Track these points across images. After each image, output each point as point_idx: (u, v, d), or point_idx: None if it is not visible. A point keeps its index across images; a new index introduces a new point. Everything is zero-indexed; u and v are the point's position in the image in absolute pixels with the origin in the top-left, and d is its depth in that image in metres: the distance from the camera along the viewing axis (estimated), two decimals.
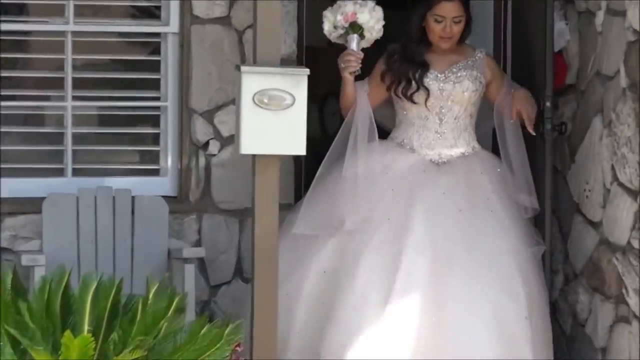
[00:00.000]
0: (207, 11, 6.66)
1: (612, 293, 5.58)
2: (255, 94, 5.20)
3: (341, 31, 5.71)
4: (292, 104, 5.21)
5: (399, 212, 5.68)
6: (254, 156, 5.28)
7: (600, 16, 6.00)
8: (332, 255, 5.61)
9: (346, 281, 5.48)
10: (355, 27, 5.72)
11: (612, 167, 5.86)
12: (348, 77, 5.69)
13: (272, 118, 5.23)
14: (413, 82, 5.72)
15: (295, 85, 5.23)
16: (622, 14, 5.72)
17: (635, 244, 5.65)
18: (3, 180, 6.53)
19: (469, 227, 5.75)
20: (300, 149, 5.36)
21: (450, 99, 5.78)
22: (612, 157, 5.91)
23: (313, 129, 6.47)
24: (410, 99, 5.71)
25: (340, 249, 5.63)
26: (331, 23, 5.76)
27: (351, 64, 5.69)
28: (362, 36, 5.74)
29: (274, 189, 5.48)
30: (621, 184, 5.74)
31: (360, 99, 5.80)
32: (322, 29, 6.25)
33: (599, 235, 5.81)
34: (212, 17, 6.68)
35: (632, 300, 5.48)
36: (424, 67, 5.81)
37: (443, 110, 5.77)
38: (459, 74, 5.85)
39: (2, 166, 6.65)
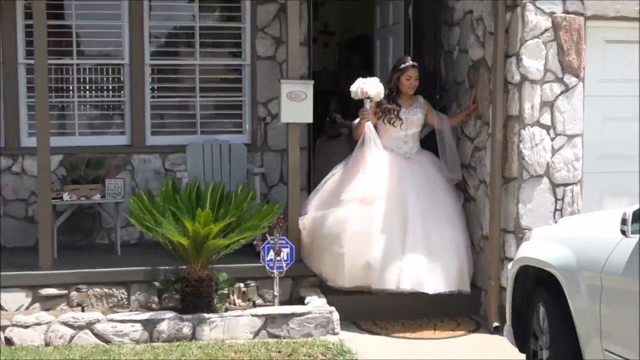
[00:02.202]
0: (264, 53, 9.27)
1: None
2: (288, 93, 7.84)
3: (360, 96, 7.89)
4: (305, 98, 7.91)
5: (398, 182, 7.87)
6: (287, 123, 8.03)
7: (455, 53, 8.69)
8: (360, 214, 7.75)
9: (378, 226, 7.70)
10: (367, 97, 7.87)
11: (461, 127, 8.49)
12: (363, 122, 7.90)
13: (296, 105, 7.85)
14: (394, 115, 7.99)
15: (307, 89, 7.93)
16: (466, 52, 8.42)
17: (473, 163, 8.26)
18: (177, 136, 9.26)
19: (432, 190, 8.01)
20: (309, 120, 8.19)
21: (409, 123, 8.05)
22: (462, 123, 8.44)
23: (315, 113, 8.21)
24: (392, 123, 8.00)
25: (367, 211, 7.73)
26: (354, 93, 7.93)
27: (365, 116, 7.90)
28: (370, 99, 7.91)
29: (297, 139, 8.08)
30: (466, 135, 8.46)
31: (369, 125, 7.91)
32: (320, 61, 9.42)
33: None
34: (266, 55, 9.30)
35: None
36: (399, 106, 8.01)
37: (406, 129, 8.07)
38: (414, 110, 8.11)
39: (174, 128, 9.34)
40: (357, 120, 8.05)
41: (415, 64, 8.09)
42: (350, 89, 7.92)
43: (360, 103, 8.01)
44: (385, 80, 8.21)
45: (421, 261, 7.57)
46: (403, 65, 8.02)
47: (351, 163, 8.02)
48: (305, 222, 8.03)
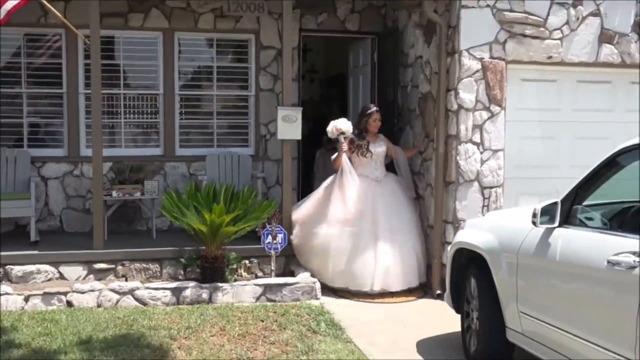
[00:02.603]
0: (265, 86, 9.27)
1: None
2: (283, 116, 7.86)
3: (336, 134, 7.80)
4: (296, 120, 7.87)
5: (371, 205, 7.60)
6: (282, 140, 7.99)
7: (409, 87, 8.63)
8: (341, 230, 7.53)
9: (356, 242, 7.47)
10: (341, 132, 7.80)
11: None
12: (342, 154, 7.75)
13: (289, 125, 7.87)
14: (365, 149, 7.83)
15: (297, 113, 7.89)
16: (417, 86, 8.36)
17: (422, 170, 8.43)
18: (199, 149, 9.11)
19: (397, 208, 7.74)
20: (299, 137, 8.02)
21: (377, 154, 7.88)
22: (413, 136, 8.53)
23: (303, 132, 8.08)
24: (364, 155, 7.84)
25: (346, 229, 7.52)
26: (330, 132, 7.85)
27: (343, 149, 7.77)
28: (344, 134, 7.80)
29: (289, 152, 8.04)
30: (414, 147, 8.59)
31: (345, 159, 7.77)
32: (308, 93, 9.63)
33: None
34: (266, 88, 9.28)
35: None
36: (368, 142, 7.87)
37: (375, 159, 7.88)
38: (379, 144, 7.95)
39: (197, 143, 9.15)
40: (335, 155, 7.91)
41: (378, 108, 8.03)
42: (327, 130, 7.84)
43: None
44: (355, 122, 8.07)
45: (388, 269, 7.43)
46: (369, 111, 7.94)
47: (335, 188, 7.77)
48: (295, 231, 7.85)
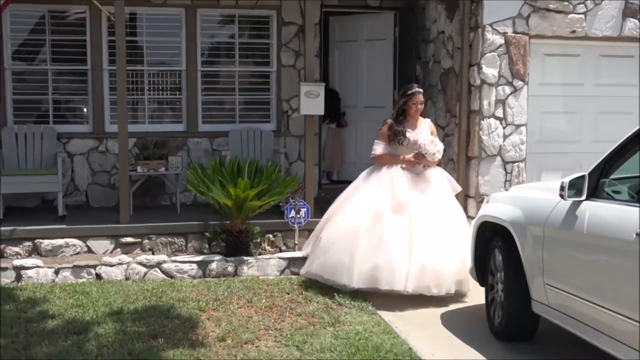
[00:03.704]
0: (287, 62, 9.24)
1: None
2: (305, 92, 7.76)
3: (427, 150, 6.47)
4: (318, 96, 7.76)
5: (408, 198, 6.37)
6: (305, 115, 7.94)
7: (430, 63, 8.69)
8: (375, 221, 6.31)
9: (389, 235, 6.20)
10: (428, 152, 6.50)
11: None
12: (398, 161, 6.53)
13: (311, 101, 7.74)
14: (402, 136, 6.52)
15: (319, 89, 7.78)
16: (439, 62, 8.36)
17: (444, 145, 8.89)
18: (221, 125, 9.06)
19: (438, 204, 6.41)
20: (322, 112, 7.93)
21: (414, 143, 6.53)
22: (436, 116, 8.03)
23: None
24: (400, 143, 6.54)
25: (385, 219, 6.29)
26: (431, 153, 6.49)
27: (406, 158, 6.53)
28: (426, 154, 6.51)
29: (312, 127, 8.03)
30: (439, 125, 8.13)
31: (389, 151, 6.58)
32: (325, 71, 9.42)
33: None
34: (288, 64, 9.26)
35: None
36: (405, 129, 6.54)
37: (413, 147, 6.54)
38: (421, 130, 6.63)
39: (219, 119, 9.11)
40: (383, 149, 6.69)
41: (421, 90, 6.80)
42: (427, 146, 6.52)
43: None
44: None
45: (424, 268, 6.20)
46: (410, 91, 6.70)
47: (366, 181, 6.72)
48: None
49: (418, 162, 6.52)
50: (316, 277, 6.57)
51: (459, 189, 6.72)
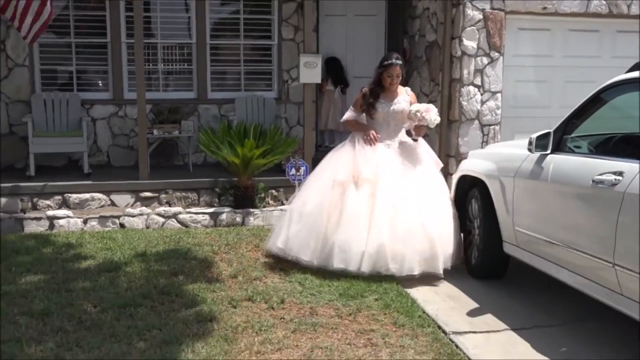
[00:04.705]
0: (287, 36, 9.27)
1: None
2: (304, 63, 7.81)
3: (416, 118, 5.54)
4: (316, 66, 7.82)
5: (377, 171, 5.49)
6: (304, 84, 7.97)
7: (417, 37, 8.72)
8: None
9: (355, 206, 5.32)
10: (422, 124, 5.59)
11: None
12: (363, 132, 5.66)
13: (310, 70, 7.78)
14: (372, 107, 5.64)
15: (317, 60, 7.83)
16: (424, 35, 8.29)
17: None
18: (228, 92, 9.02)
19: (410, 177, 5.51)
20: (319, 81, 7.90)
21: (387, 115, 5.67)
22: (420, 84, 8.51)
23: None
24: (371, 116, 5.68)
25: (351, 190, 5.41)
26: (413, 113, 5.58)
27: (370, 134, 5.61)
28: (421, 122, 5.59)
29: (310, 95, 8.01)
30: (424, 93, 8.42)
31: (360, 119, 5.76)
32: (323, 43, 9.31)
33: None
34: (288, 38, 9.29)
35: None
36: (378, 100, 5.64)
37: (385, 120, 5.69)
38: (397, 102, 5.69)
39: (226, 87, 9.07)
40: (352, 115, 5.88)
41: (401, 62, 5.76)
42: (411, 108, 5.69)
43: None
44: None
45: (382, 247, 5.30)
46: (386, 62, 5.76)
47: (343, 150, 5.82)
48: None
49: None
50: (279, 254, 5.68)
51: (441, 165, 5.87)
